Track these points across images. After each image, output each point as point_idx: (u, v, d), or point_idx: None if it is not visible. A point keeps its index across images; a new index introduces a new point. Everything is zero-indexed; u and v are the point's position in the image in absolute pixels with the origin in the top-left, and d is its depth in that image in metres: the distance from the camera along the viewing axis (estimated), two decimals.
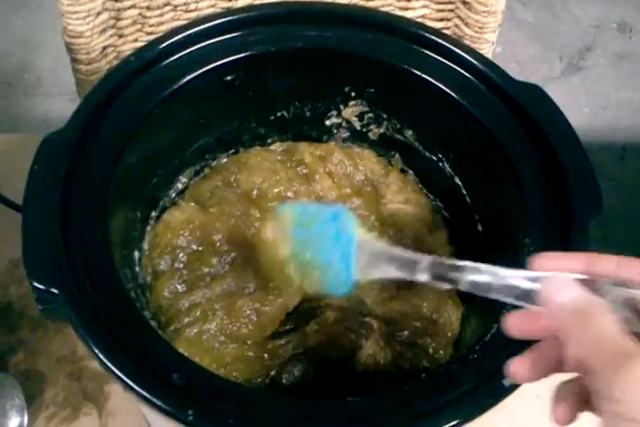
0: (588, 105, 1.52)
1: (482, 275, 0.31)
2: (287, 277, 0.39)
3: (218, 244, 0.46)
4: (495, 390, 0.32)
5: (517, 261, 0.38)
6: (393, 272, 0.36)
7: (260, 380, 0.41)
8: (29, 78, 1.44)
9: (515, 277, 0.30)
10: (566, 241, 0.38)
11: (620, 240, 1.28)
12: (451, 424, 0.31)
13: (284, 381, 0.42)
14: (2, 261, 0.56)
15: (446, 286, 0.33)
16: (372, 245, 0.38)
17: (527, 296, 0.29)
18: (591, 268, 0.28)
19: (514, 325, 0.29)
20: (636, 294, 0.27)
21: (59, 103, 1.41)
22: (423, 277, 0.34)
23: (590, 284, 0.27)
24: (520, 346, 0.34)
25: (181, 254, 0.46)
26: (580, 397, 0.27)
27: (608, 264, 0.28)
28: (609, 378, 0.23)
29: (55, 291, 0.33)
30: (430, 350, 0.44)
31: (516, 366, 0.28)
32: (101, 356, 0.31)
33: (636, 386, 0.22)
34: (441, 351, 0.44)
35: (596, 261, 0.28)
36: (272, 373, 0.42)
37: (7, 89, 1.42)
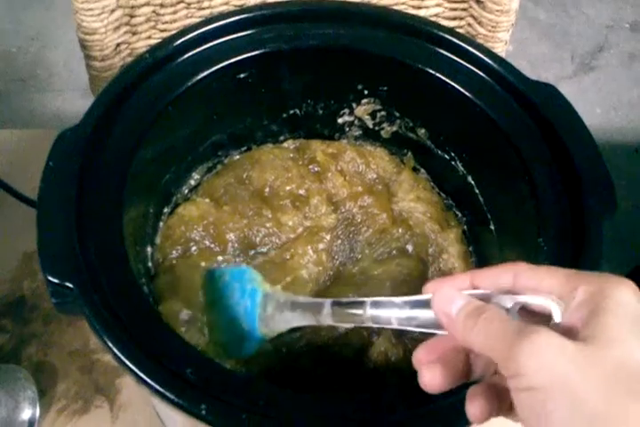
0: (600, 105, 1.51)
1: (382, 308, 0.32)
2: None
3: (229, 244, 0.47)
4: None
5: (531, 261, 0.39)
6: (299, 320, 0.38)
7: (274, 375, 0.42)
8: (42, 74, 1.45)
9: (412, 308, 0.31)
10: (581, 241, 0.37)
11: (631, 240, 1.27)
12: (461, 422, 0.31)
13: (297, 376, 0.42)
14: (16, 255, 0.57)
15: (350, 326, 0.36)
16: (275, 295, 0.40)
17: (429, 323, 0.30)
18: (476, 282, 0.29)
19: (419, 356, 0.30)
20: (524, 298, 0.28)
21: (71, 99, 1.42)
22: (327, 319, 0.36)
23: (483, 298, 0.28)
24: None
25: (194, 248, 0.47)
26: (492, 395, 0.27)
27: (498, 276, 0.29)
28: (506, 357, 0.24)
29: (70, 285, 0.33)
30: None
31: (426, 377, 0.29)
32: (115, 350, 0.32)
33: (529, 357, 0.23)
34: None
35: (477, 275, 0.29)
36: (286, 368, 0.42)
37: (20, 85, 1.43)
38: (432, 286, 0.30)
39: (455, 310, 0.27)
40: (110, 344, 0.32)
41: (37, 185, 0.37)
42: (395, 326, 0.32)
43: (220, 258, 0.46)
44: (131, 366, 0.31)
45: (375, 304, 0.32)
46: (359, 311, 0.33)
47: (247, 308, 0.40)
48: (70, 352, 0.52)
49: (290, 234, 0.49)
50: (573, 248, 0.38)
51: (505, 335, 0.24)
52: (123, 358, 0.31)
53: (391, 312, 0.31)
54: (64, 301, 0.34)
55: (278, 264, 0.47)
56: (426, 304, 0.30)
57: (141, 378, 0.31)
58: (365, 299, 0.33)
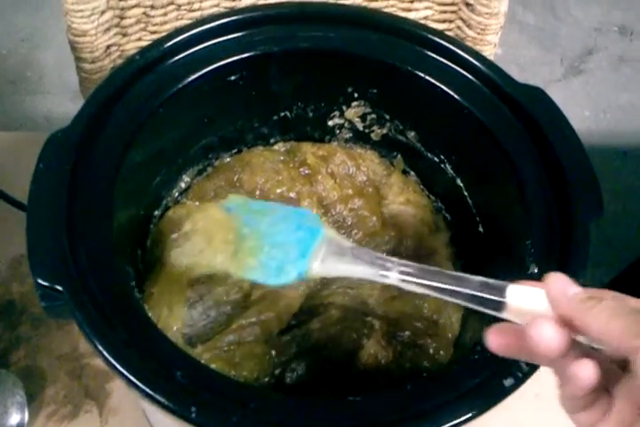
0: (589, 108, 1.53)
1: (457, 284, 0.31)
2: (228, 258, 0.39)
3: None
4: (495, 390, 0.33)
5: (518, 263, 0.39)
6: (359, 271, 0.36)
7: (266, 379, 0.42)
8: (32, 76, 1.45)
9: (485, 289, 0.30)
10: (568, 243, 0.38)
11: (619, 243, 1.28)
12: (451, 424, 0.31)
13: (288, 379, 0.42)
14: (5, 259, 0.56)
15: (411, 288, 0.33)
16: (338, 239, 0.38)
17: (494, 306, 0.30)
18: None
19: (495, 340, 0.29)
20: None
21: (61, 101, 1.41)
22: (393, 276, 0.34)
23: None
24: None
25: None
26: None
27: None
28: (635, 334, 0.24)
29: (60, 288, 0.33)
30: (431, 351, 0.44)
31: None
32: (105, 353, 0.32)
33: None
34: (441, 352, 0.44)
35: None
36: (277, 371, 0.42)
37: (10, 87, 1.42)
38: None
39: (572, 291, 0.28)
40: (100, 347, 0.32)
41: (26, 188, 0.37)
42: (460, 302, 0.31)
43: None
44: (121, 369, 0.31)
45: (453, 278, 0.32)
46: (432, 283, 0.32)
47: (302, 240, 0.38)
48: (59, 356, 0.51)
49: None
50: (561, 250, 0.38)
51: (628, 317, 0.25)
52: (113, 361, 0.31)
53: (464, 289, 0.31)
54: (54, 304, 0.34)
55: None
56: (499, 289, 0.30)
57: (132, 381, 0.31)
58: (444, 271, 0.33)
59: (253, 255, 0.38)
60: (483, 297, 0.30)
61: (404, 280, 0.34)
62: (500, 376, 0.33)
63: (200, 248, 0.41)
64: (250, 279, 0.39)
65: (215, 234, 0.40)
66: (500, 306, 0.30)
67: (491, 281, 0.31)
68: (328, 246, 0.38)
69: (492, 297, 0.30)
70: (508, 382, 0.33)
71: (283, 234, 0.39)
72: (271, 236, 0.39)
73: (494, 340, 0.29)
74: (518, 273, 0.38)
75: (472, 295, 0.30)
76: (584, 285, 0.30)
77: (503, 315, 0.30)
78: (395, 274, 0.34)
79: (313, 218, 0.41)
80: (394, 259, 0.35)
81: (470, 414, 0.31)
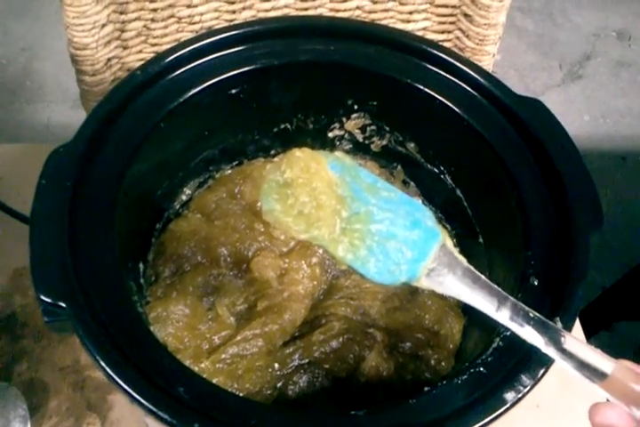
0: (588, 113, 1.53)
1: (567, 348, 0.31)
2: (329, 225, 0.34)
3: (222, 259, 0.47)
4: (497, 403, 0.33)
5: (519, 275, 0.39)
6: (472, 298, 0.34)
7: (269, 392, 0.42)
8: (31, 85, 1.45)
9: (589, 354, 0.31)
10: (568, 255, 0.38)
11: (619, 248, 1.28)
12: None
13: (290, 392, 0.42)
14: (7, 271, 0.57)
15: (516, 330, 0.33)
16: (455, 254, 0.35)
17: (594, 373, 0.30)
18: None
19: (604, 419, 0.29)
20: None
21: (60, 110, 1.42)
22: (504, 318, 0.33)
23: None
24: (522, 360, 0.34)
25: (186, 264, 0.47)
26: None
27: None
28: None
29: (62, 304, 0.33)
30: (432, 362, 0.45)
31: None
32: (108, 369, 0.32)
33: None
34: (443, 363, 0.45)
35: None
36: (279, 384, 0.42)
37: (10, 96, 1.43)
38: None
39: None
40: (103, 364, 0.32)
41: (28, 199, 0.37)
42: (556, 358, 0.32)
43: (214, 271, 0.47)
44: (123, 385, 0.31)
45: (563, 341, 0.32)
46: (538, 336, 0.32)
47: (418, 241, 0.34)
48: (61, 369, 0.52)
49: (282, 247, 0.49)
50: (561, 261, 0.38)
51: None
52: (115, 377, 0.31)
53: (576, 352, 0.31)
54: (56, 319, 0.34)
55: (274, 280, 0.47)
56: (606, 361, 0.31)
57: (134, 397, 0.31)
58: (559, 329, 0.33)
59: (362, 240, 0.34)
60: (590, 365, 0.31)
61: (513, 321, 0.33)
62: (501, 389, 0.33)
63: (303, 211, 0.34)
64: (350, 266, 0.35)
65: (324, 200, 0.34)
66: (600, 378, 0.30)
67: (599, 354, 0.31)
68: (442, 256, 0.34)
69: (600, 367, 0.30)
70: (510, 395, 0.33)
71: (398, 227, 0.34)
72: (385, 223, 0.34)
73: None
74: (519, 285, 0.38)
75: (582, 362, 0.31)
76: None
77: (598, 386, 0.30)
78: (507, 313, 0.33)
79: (429, 216, 0.36)
80: (512, 298, 0.34)
81: None
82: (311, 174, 0.35)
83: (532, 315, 0.33)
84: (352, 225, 0.34)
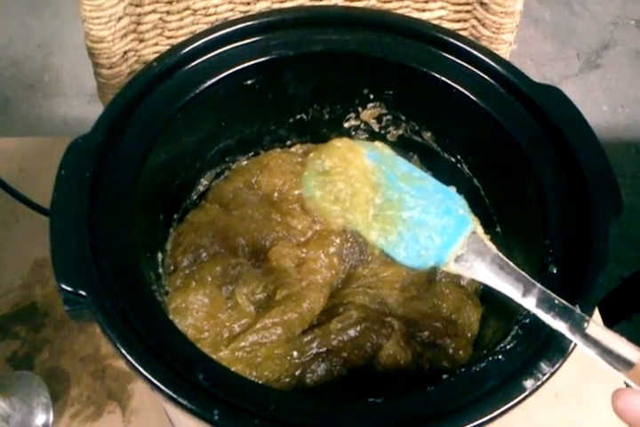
0: (607, 103, 1.51)
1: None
2: (363, 213, 0.36)
3: (239, 249, 0.47)
4: (516, 391, 0.33)
5: (537, 263, 0.39)
6: (499, 284, 0.35)
7: (287, 380, 0.42)
8: (49, 80, 1.47)
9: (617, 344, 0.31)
10: (587, 243, 0.38)
11: (638, 238, 1.27)
12: (472, 425, 0.31)
13: (308, 380, 0.42)
14: (27, 262, 0.58)
15: (541, 316, 0.33)
16: (485, 242, 0.37)
17: (618, 361, 0.30)
18: None
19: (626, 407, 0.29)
20: None
21: (77, 104, 1.43)
22: (530, 303, 0.34)
23: None
24: (541, 348, 0.34)
25: (204, 254, 0.47)
26: None
27: None
28: None
29: (83, 293, 0.34)
30: (450, 351, 0.45)
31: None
32: (129, 357, 0.32)
33: None
34: (461, 352, 0.44)
35: None
36: (297, 372, 0.43)
37: (28, 91, 1.44)
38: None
39: None
40: (123, 351, 0.32)
41: (47, 192, 0.37)
42: (581, 345, 0.32)
43: (232, 261, 0.47)
44: (144, 372, 0.32)
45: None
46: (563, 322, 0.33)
47: (448, 227, 0.36)
48: (82, 358, 0.52)
49: (300, 237, 0.49)
50: (580, 250, 0.38)
51: None
52: (136, 364, 0.32)
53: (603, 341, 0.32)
54: (77, 308, 0.34)
55: (292, 269, 0.47)
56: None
57: (155, 384, 0.31)
58: (583, 315, 0.33)
59: (394, 226, 0.36)
60: (614, 353, 0.31)
61: (539, 308, 0.34)
62: (520, 377, 0.33)
63: (339, 197, 0.37)
64: (381, 249, 0.37)
65: (359, 187, 0.37)
66: (625, 367, 0.30)
67: (625, 342, 0.31)
68: (471, 243, 0.36)
69: (625, 355, 0.30)
70: (529, 382, 0.33)
71: (429, 214, 0.36)
72: (416, 210, 0.36)
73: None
74: (538, 273, 0.38)
75: (606, 349, 0.31)
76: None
77: (623, 375, 0.30)
78: (533, 300, 0.34)
79: (462, 204, 0.38)
80: (539, 285, 0.34)
81: (490, 416, 0.31)
82: (348, 163, 0.38)
83: (557, 301, 0.34)
84: (385, 211, 0.36)
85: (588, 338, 0.32)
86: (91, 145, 0.39)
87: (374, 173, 0.37)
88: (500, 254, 0.37)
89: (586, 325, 0.32)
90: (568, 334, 0.33)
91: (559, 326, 0.33)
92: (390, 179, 0.37)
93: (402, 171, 0.38)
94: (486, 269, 0.36)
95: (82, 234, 0.36)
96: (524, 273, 0.36)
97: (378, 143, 0.40)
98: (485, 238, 0.37)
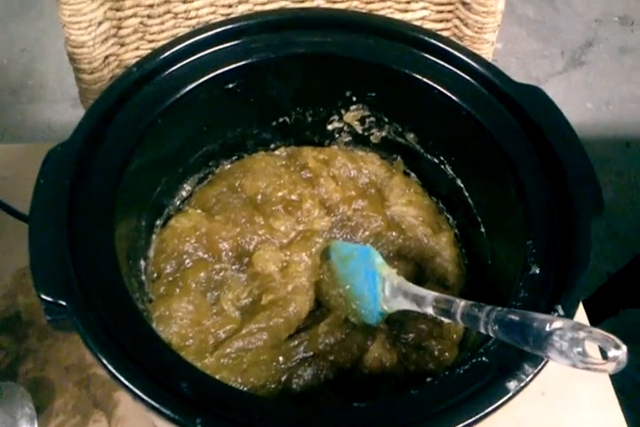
0: (591, 100, 1.52)
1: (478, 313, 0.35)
2: (337, 303, 0.46)
3: (223, 253, 0.47)
4: (500, 392, 0.33)
5: (520, 264, 0.39)
6: (408, 305, 0.41)
7: (273, 386, 0.42)
8: (33, 85, 1.45)
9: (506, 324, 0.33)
10: (569, 243, 0.38)
11: (625, 235, 1.28)
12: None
13: (294, 386, 0.42)
14: (10, 271, 0.57)
15: (447, 320, 0.38)
16: (390, 279, 0.43)
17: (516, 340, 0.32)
18: None
19: None
20: None
21: (62, 109, 1.42)
22: (429, 310, 0.39)
23: None
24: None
25: (188, 260, 0.47)
26: None
27: None
28: None
29: (63, 303, 0.33)
30: (435, 353, 0.44)
31: None
32: (110, 367, 0.32)
33: None
34: (446, 353, 0.44)
35: None
36: (284, 378, 0.42)
37: (12, 96, 1.43)
38: None
39: None
40: (105, 361, 0.32)
41: (30, 200, 0.37)
42: (481, 330, 0.35)
43: (216, 267, 0.47)
44: (125, 382, 0.31)
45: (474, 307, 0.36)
46: (454, 310, 0.37)
47: (369, 288, 0.44)
48: (67, 367, 0.52)
49: (283, 239, 0.49)
50: (562, 249, 0.38)
51: None
52: (117, 374, 0.32)
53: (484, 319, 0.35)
54: (58, 318, 0.34)
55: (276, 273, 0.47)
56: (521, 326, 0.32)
57: (135, 394, 0.31)
58: (465, 301, 0.37)
59: (352, 302, 0.45)
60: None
61: (438, 314, 0.39)
62: (503, 379, 0.33)
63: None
64: (354, 321, 0.45)
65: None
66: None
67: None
68: (387, 285, 0.43)
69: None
70: (512, 384, 0.33)
71: (360, 284, 0.45)
72: (354, 285, 0.45)
73: None
74: (520, 273, 0.38)
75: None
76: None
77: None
78: (430, 309, 0.39)
79: (372, 258, 0.46)
80: (431, 294, 0.40)
81: (474, 419, 0.31)
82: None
83: (445, 300, 0.39)
84: (343, 289, 0.47)
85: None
86: (70, 152, 0.39)
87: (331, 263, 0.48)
88: (401, 281, 0.43)
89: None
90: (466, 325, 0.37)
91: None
92: (338, 265, 0.48)
93: (341, 254, 0.48)
94: (402, 298, 0.42)
95: (61, 243, 0.35)
96: (419, 290, 0.41)
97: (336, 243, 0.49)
98: (390, 273, 0.44)
